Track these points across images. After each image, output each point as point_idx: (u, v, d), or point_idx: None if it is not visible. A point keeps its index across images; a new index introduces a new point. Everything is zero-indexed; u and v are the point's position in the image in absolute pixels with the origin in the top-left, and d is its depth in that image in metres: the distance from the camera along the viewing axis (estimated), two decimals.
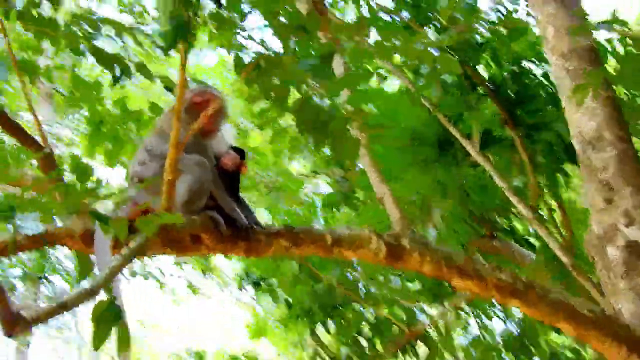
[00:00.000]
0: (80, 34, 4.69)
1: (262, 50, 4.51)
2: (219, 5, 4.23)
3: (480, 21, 7.92)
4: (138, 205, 4.83)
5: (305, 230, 5.21)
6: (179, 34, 4.04)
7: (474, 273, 5.31)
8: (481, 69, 8.48)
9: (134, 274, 16.74)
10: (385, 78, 9.18)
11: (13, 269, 14.63)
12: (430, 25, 8.17)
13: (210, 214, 4.98)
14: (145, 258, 15.78)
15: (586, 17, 6.42)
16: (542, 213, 8.33)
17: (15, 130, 5.08)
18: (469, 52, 8.18)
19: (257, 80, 4.42)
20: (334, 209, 11.07)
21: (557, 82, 6.67)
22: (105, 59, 4.80)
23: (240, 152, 5.37)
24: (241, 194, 5.46)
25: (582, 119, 6.26)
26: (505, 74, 8.37)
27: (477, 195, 8.65)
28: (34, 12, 4.58)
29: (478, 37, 8.26)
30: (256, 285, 10.60)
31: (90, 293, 3.83)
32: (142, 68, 4.71)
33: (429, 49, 4.60)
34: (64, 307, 3.77)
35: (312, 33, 4.38)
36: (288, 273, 9.63)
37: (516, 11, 8.38)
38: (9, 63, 5.01)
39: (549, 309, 5.35)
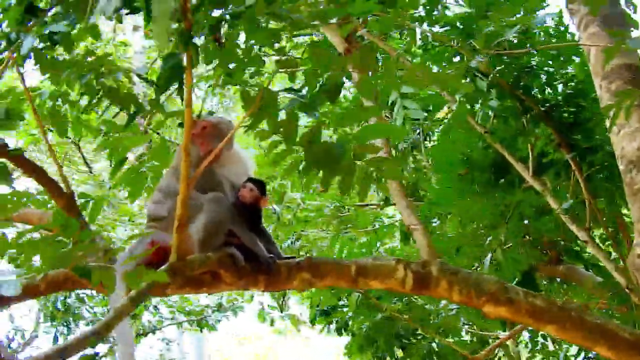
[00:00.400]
0: (92, 76, 4.76)
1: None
2: (220, 45, 4.26)
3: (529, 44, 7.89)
4: (154, 243, 4.88)
5: (328, 262, 5.20)
6: (174, 75, 4.10)
7: (505, 299, 5.22)
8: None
9: (221, 307, 16.87)
10: (442, 105, 9.15)
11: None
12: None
13: (228, 250, 5.01)
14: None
15: (627, 36, 6.27)
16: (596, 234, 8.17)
17: (36, 172, 5.21)
18: (521, 75, 8.09)
19: (264, 115, 4.44)
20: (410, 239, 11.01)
21: (601, 103, 6.57)
22: (121, 99, 4.87)
23: (259, 184, 5.38)
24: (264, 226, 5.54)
25: (625, 140, 6.16)
26: (558, 97, 8.26)
27: (534, 220, 8.52)
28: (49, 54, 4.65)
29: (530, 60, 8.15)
30: (326, 315, 10.59)
31: (92, 338, 3.89)
32: (155, 105, 4.76)
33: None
34: (62, 352, 3.82)
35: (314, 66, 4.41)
36: (351, 303, 9.59)
37: (567, 31, 8.23)
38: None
39: (586, 333, 5.22)
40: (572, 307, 5.33)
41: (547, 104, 8.21)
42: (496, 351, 9.70)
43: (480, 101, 8.04)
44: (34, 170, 5.21)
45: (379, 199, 12.24)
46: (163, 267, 4.54)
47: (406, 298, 9.20)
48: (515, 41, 7.88)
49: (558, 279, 9.62)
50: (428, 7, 8.07)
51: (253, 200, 5.30)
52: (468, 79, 7.69)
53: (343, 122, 4.61)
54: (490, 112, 8.07)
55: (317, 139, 4.50)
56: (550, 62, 8.22)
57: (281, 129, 4.53)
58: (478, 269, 8.35)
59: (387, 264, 5.22)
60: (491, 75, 7.81)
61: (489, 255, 8.35)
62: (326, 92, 4.47)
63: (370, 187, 4.70)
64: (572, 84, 8.24)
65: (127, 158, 5.49)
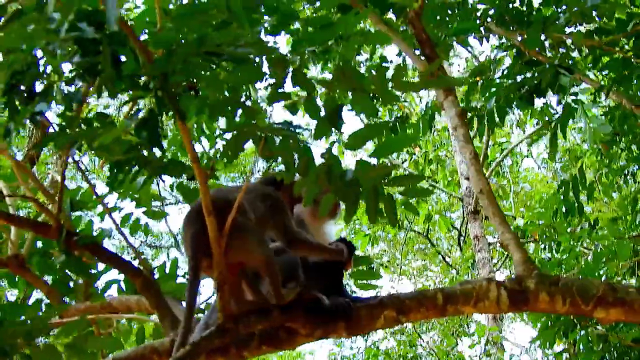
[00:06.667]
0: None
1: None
2: (196, 93, 4.23)
3: None
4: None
5: (411, 296, 4.95)
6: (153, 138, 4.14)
7: (616, 300, 4.80)
8: None
9: None
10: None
11: None
12: None
13: (309, 295, 4.88)
14: None
15: None
16: None
17: (110, 259, 5.32)
18: None
19: (275, 155, 4.33)
20: None
21: None
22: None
23: (350, 247, 5.22)
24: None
25: None
26: None
27: None
28: None
29: None
30: None
31: None
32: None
33: None
34: None
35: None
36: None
37: None
38: None
39: None
40: None
41: None
42: None
43: None
44: (109, 258, 5.31)
45: None
46: (208, 330, 4.51)
47: None
48: None
49: None
50: None
51: (341, 260, 5.16)
52: None
53: (356, 144, 4.39)
54: None
55: (334, 169, 4.31)
56: None
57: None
58: None
59: (477, 285, 4.92)
60: None
61: None
62: (327, 119, 4.31)
63: (397, 211, 4.41)
64: None
65: None
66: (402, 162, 20.01)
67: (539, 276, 4.93)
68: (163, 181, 5.66)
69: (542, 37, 7.33)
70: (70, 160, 6.34)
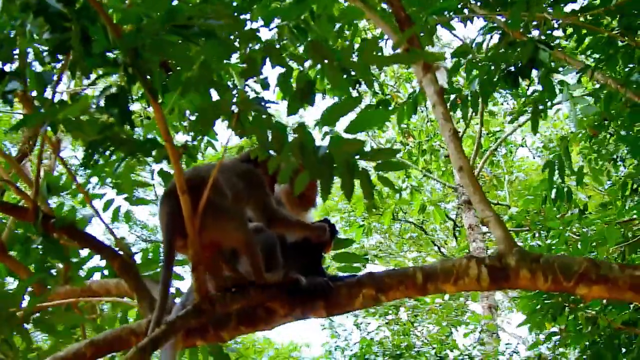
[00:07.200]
0: None
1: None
2: (167, 70, 4.18)
3: None
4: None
5: (391, 273, 4.90)
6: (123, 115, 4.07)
7: (598, 277, 4.72)
8: None
9: None
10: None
11: None
12: None
13: (288, 277, 4.85)
14: None
15: None
16: None
17: (87, 241, 5.25)
18: None
19: (247, 132, 4.26)
20: None
21: None
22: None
23: (333, 229, 5.20)
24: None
25: None
26: None
27: None
28: None
29: None
30: None
31: None
32: None
33: None
34: None
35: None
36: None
37: None
38: None
39: None
40: None
41: None
42: None
43: None
44: (86, 240, 5.25)
45: None
46: (185, 309, 4.47)
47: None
48: None
49: None
50: None
51: (322, 240, 5.13)
52: None
53: (331, 120, 4.31)
54: None
55: (307, 144, 4.24)
56: None
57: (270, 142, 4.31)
58: None
59: (457, 263, 4.86)
60: None
61: None
62: (299, 94, 4.25)
63: (372, 186, 4.33)
64: None
65: None
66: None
67: (520, 253, 4.86)
68: (150, 165, 5.59)
69: (526, 18, 7.23)
70: (59, 150, 6.27)
